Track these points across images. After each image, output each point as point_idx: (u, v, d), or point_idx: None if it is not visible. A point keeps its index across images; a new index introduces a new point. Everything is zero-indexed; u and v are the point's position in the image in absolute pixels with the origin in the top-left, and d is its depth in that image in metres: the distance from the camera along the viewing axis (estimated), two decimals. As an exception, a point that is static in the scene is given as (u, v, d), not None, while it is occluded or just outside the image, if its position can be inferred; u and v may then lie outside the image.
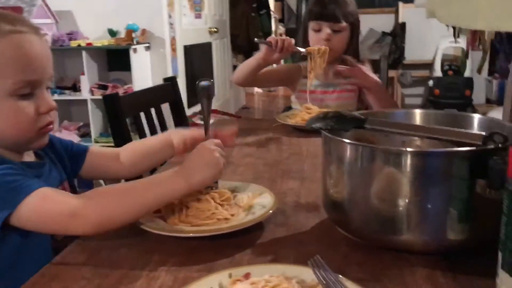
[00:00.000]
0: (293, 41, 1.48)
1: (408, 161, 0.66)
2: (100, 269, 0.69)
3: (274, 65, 1.77)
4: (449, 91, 4.38)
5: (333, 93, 1.68)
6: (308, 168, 1.15)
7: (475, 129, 0.80)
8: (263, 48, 1.50)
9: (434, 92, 4.45)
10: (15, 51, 0.75)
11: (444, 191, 0.66)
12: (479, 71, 1.31)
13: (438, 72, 4.58)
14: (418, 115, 0.86)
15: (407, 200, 0.67)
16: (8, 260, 0.76)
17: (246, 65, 1.61)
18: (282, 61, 1.72)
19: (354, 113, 0.77)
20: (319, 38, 1.60)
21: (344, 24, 1.61)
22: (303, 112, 1.53)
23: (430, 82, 4.52)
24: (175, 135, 1.05)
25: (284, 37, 1.48)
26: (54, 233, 0.78)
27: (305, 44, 1.65)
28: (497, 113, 4.02)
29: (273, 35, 1.95)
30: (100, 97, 3.27)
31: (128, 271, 0.69)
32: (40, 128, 0.81)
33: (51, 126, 0.84)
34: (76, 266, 0.69)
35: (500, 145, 0.63)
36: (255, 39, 1.68)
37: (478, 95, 4.64)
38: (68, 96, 3.35)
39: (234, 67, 5.38)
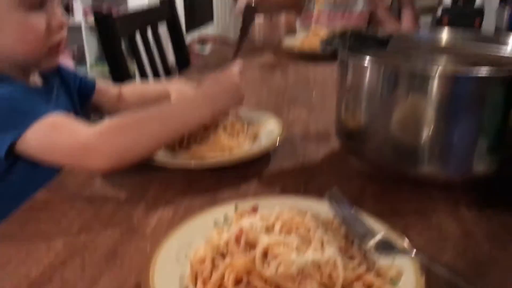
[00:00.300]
0: None
1: (436, 84, 0.58)
2: (93, 200, 0.64)
3: None
4: (458, 20, 4.20)
5: (343, 16, 1.56)
6: (317, 96, 1.07)
7: (510, 45, 0.71)
8: None
9: (442, 21, 4.26)
10: None
11: (474, 119, 0.59)
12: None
13: (447, 1, 4.37)
14: (445, 35, 0.76)
15: (432, 128, 0.60)
16: (15, 191, 0.70)
17: None
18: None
19: (375, 33, 0.68)
20: None
21: None
22: (311, 37, 1.43)
23: (439, 11, 4.32)
24: (174, 88, 0.97)
25: None
26: (64, 166, 0.69)
27: None
28: (507, 44, 3.87)
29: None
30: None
31: (123, 203, 0.63)
32: (51, 46, 0.74)
33: (63, 45, 0.76)
34: (67, 196, 0.64)
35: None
36: None
37: (488, 25, 4.45)
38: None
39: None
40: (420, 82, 0.58)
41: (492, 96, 0.58)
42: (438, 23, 4.31)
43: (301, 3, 1.60)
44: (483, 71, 0.56)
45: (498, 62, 0.60)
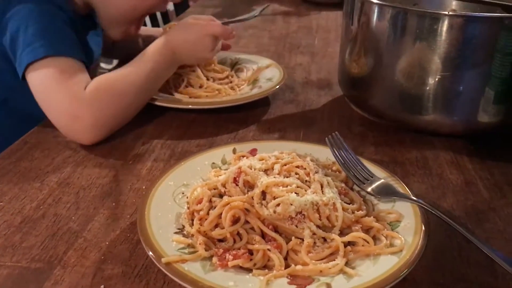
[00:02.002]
0: None
1: (445, 26, 0.55)
2: (89, 139, 0.62)
3: None
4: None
5: None
6: (319, 43, 1.04)
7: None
8: None
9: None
10: None
11: (483, 66, 0.57)
12: None
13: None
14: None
15: (439, 75, 0.58)
16: (30, 104, 0.66)
17: None
18: None
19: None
20: None
21: None
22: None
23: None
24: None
25: None
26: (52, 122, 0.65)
27: None
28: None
29: None
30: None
31: (118, 143, 0.62)
32: (148, 14, 0.76)
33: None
34: (61, 135, 0.62)
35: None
36: None
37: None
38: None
39: None
40: (430, 24, 0.56)
41: (503, 41, 0.55)
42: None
43: None
44: (495, 13, 0.54)
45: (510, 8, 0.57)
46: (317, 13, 1.25)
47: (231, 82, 0.77)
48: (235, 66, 0.84)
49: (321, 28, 1.14)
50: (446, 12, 0.55)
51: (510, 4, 0.57)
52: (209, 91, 0.73)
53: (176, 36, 0.69)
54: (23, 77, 0.62)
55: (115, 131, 0.63)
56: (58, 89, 0.60)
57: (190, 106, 0.69)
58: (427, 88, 0.59)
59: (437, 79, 0.58)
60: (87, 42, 0.76)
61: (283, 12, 1.29)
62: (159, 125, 0.66)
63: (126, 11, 0.73)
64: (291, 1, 1.37)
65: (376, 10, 0.60)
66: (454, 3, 0.69)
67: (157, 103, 0.68)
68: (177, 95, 0.72)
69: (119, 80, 0.64)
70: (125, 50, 0.88)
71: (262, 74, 0.79)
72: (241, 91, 0.76)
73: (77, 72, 0.62)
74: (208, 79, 0.76)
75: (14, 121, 0.71)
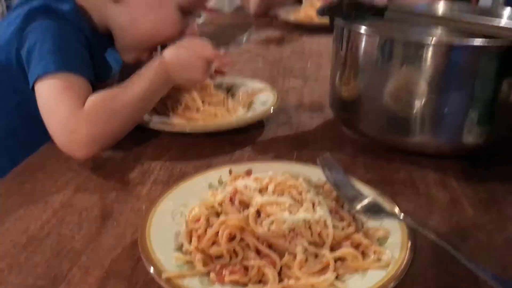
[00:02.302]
0: None
1: (430, 53, 0.59)
2: (89, 162, 0.64)
3: None
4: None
5: None
6: (312, 67, 1.08)
7: (506, 18, 0.72)
8: None
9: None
10: None
11: (467, 89, 0.60)
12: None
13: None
14: (442, 7, 0.77)
15: (424, 98, 0.61)
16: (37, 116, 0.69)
17: None
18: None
19: (372, 1, 0.69)
20: None
21: None
22: (307, 7, 1.42)
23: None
24: None
25: None
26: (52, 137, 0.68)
27: None
28: None
29: None
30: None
31: (119, 166, 0.64)
32: (156, 46, 0.79)
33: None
34: (63, 158, 0.64)
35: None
36: None
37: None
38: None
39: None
40: (415, 51, 0.59)
41: (484, 66, 0.59)
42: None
43: None
44: (477, 41, 0.57)
45: (492, 33, 0.61)
46: (310, 38, 1.29)
47: (226, 105, 0.80)
48: (230, 90, 0.87)
49: (314, 52, 1.18)
50: (430, 41, 0.58)
51: (490, 34, 0.60)
52: (206, 115, 0.76)
53: (170, 57, 0.72)
54: (32, 88, 0.66)
55: (111, 148, 0.66)
56: (59, 103, 0.64)
57: (187, 130, 0.72)
58: (414, 111, 0.62)
59: (423, 102, 0.61)
60: (105, 58, 0.80)
61: (276, 37, 1.33)
62: (158, 148, 0.69)
63: (142, 40, 0.78)
64: (284, 27, 1.41)
65: (363, 39, 0.63)
66: (440, 28, 0.73)
67: (156, 127, 0.71)
68: (175, 118, 0.75)
69: (116, 98, 0.66)
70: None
71: (256, 98, 0.82)
72: (236, 114, 0.79)
73: (80, 89, 0.66)
74: (204, 103, 0.78)
75: (30, 125, 0.74)
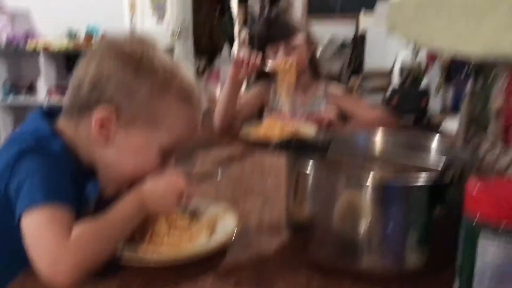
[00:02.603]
0: (259, 58, 1.51)
1: (368, 188, 0.67)
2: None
3: (244, 94, 1.76)
4: (406, 101, 4.50)
5: (303, 116, 1.72)
6: (272, 185, 1.15)
7: (435, 151, 0.82)
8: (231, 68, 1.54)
9: (391, 101, 4.56)
10: (188, 121, 0.83)
11: (403, 218, 0.68)
12: (437, 90, 1.36)
13: (396, 82, 4.71)
14: (380, 136, 0.88)
15: (367, 226, 0.68)
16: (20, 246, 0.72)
17: (221, 102, 1.62)
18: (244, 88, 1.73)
19: (317, 139, 0.78)
20: (278, 61, 1.63)
21: (296, 38, 1.64)
22: (267, 126, 1.54)
23: (388, 92, 4.64)
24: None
25: (248, 54, 1.51)
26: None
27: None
28: (451, 123, 4.17)
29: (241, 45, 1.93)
30: (58, 101, 3.19)
31: (87, 300, 0.67)
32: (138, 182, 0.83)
33: None
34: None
35: (457, 175, 0.65)
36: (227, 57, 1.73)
37: (434, 104, 4.79)
38: (23, 101, 3.23)
39: (197, 70, 5.35)
40: (355, 187, 0.67)
41: (416, 198, 0.67)
42: (387, 103, 4.61)
43: (267, 100, 1.74)
44: (409, 179, 0.66)
45: (423, 167, 0.70)
46: (269, 157, 1.38)
47: (190, 232, 0.85)
48: (194, 214, 0.92)
49: (273, 170, 1.27)
50: (368, 177, 0.66)
51: (420, 167, 0.70)
52: (170, 244, 0.80)
53: (147, 189, 0.79)
54: (18, 221, 0.70)
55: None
56: (46, 234, 0.68)
57: (152, 264, 0.76)
58: (359, 236, 0.69)
59: (365, 229, 0.68)
60: (84, 191, 0.85)
61: (239, 155, 1.42)
62: (123, 280, 0.72)
63: (125, 177, 0.83)
64: (245, 144, 1.51)
65: (310, 175, 0.71)
66: (377, 161, 0.82)
67: (123, 261, 0.75)
68: (142, 246, 0.79)
69: (100, 228, 0.73)
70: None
71: (220, 222, 0.88)
72: (200, 240, 0.83)
73: (66, 220, 0.71)
74: (170, 228, 0.83)
75: (10, 258, 0.76)
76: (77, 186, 0.80)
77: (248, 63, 1.49)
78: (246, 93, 1.80)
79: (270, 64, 1.58)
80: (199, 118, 0.85)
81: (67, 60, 3.43)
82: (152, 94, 0.78)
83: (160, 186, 0.80)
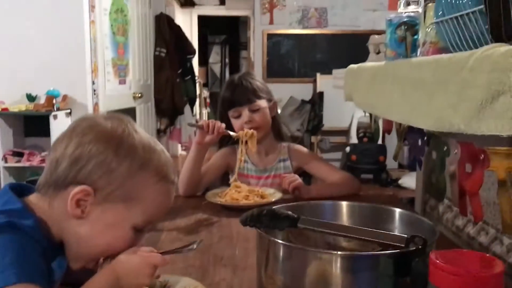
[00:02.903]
0: (223, 124, 1.55)
1: (338, 262, 0.69)
2: None
3: (209, 159, 1.79)
4: (365, 157, 4.67)
5: (268, 178, 1.75)
6: (240, 253, 1.16)
7: (397, 222, 0.86)
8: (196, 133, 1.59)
9: (351, 157, 4.71)
10: (164, 197, 0.83)
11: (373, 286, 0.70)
12: (395, 158, 1.43)
13: (354, 139, 4.88)
14: (345, 207, 0.91)
15: (338, 299, 0.70)
16: None
17: (186, 166, 1.64)
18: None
19: (286, 210, 0.81)
20: (241, 123, 1.68)
21: (259, 101, 1.70)
22: (232, 190, 1.56)
23: (347, 148, 4.79)
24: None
25: (213, 120, 1.55)
26: None
27: (230, 130, 1.74)
28: (408, 179, 4.32)
29: (204, 119, 1.97)
30: (15, 164, 3.10)
31: None
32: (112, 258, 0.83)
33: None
34: None
35: (420, 247, 0.69)
36: (188, 123, 1.77)
37: (391, 160, 4.96)
38: (-22, 163, 3.14)
39: (158, 130, 5.36)
40: (324, 260, 0.70)
41: (383, 269, 0.70)
42: (348, 159, 4.75)
43: (232, 164, 1.76)
44: (373, 252, 0.69)
45: (388, 239, 0.74)
46: (237, 220, 1.39)
47: (161, 309, 0.84)
48: (164, 288, 0.91)
49: (241, 236, 1.27)
50: (338, 252, 0.69)
51: (385, 242, 0.73)
52: (141, 321, 0.79)
53: (122, 263, 0.79)
54: None
55: None
56: None
57: None
58: (331, 310, 0.70)
59: (337, 303, 0.70)
60: (51, 265, 0.82)
61: (205, 220, 1.43)
62: None
63: (95, 253, 0.82)
64: (212, 208, 1.52)
65: (280, 247, 0.73)
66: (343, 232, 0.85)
67: None
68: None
69: None
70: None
71: (190, 298, 0.87)
72: (171, 317, 0.82)
73: None
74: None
75: None
76: (46, 261, 0.78)
77: (213, 129, 1.53)
78: (211, 157, 1.83)
79: (233, 134, 1.63)
80: (172, 194, 0.86)
81: (25, 123, 3.37)
82: (131, 172, 0.78)
83: (133, 260, 0.79)
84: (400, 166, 5.15)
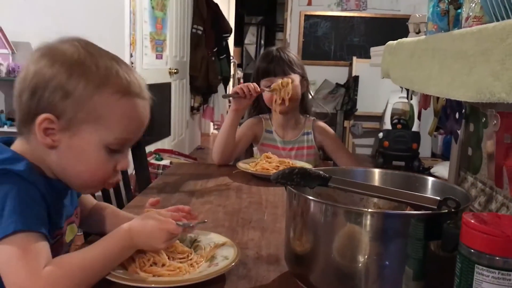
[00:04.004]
0: (256, 85, 1.57)
1: (367, 220, 0.69)
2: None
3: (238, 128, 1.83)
4: (398, 144, 4.59)
5: (292, 150, 1.76)
6: (268, 218, 1.17)
7: (429, 191, 0.85)
8: (232, 102, 1.62)
9: (383, 143, 4.64)
10: (131, 113, 0.81)
11: (400, 250, 0.70)
12: (431, 133, 1.41)
13: (387, 125, 4.80)
14: (377, 174, 0.91)
15: (365, 257, 0.70)
16: None
17: (222, 135, 1.67)
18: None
19: (318, 170, 0.81)
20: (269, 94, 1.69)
21: (293, 75, 1.71)
22: (263, 160, 1.57)
23: (380, 134, 4.72)
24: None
25: (246, 84, 1.57)
26: None
27: (260, 102, 1.76)
28: (441, 168, 4.24)
29: (236, 85, 2.02)
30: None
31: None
32: (107, 182, 0.84)
33: (115, 183, 0.87)
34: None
35: (453, 210, 0.68)
36: (222, 95, 1.81)
37: (424, 148, 4.87)
38: (19, 128, 3.25)
39: (192, 108, 5.42)
40: (355, 218, 0.70)
41: (413, 230, 0.69)
42: (380, 145, 4.69)
43: (258, 135, 1.79)
44: (406, 212, 0.69)
45: (419, 201, 0.73)
46: (266, 189, 1.41)
47: (190, 259, 0.86)
48: (194, 243, 0.94)
49: (270, 203, 1.29)
50: (368, 210, 0.69)
51: (416, 203, 0.73)
52: (171, 269, 0.81)
53: (137, 226, 0.81)
54: None
55: None
56: (19, 264, 0.68)
57: (153, 285, 0.77)
58: (357, 267, 0.71)
59: (364, 260, 0.70)
60: (62, 204, 0.86)
61: (235, 187, 1.45)
62: (125, 304, 0.73)
63: (83, 180, 0.83)
64: (242, 177, 1.54)
65: (311, 205, 0.74)
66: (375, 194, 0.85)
67: (124, 282, 0.76)
68: (142, 274, 0.80)
69: (78, 265, 0.73)
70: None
71: (218, 252, 0.89)
72: (199, 268, 0.85)
73: (40, 249, 0.71)
74: (169, 258, 0.85)
75: None
76: (53, 201, 0.80)
77: (249, 92, 1.55)
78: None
79: (269, 89, 1.66)
80: (144, 109, 0.83)
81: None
82: (88, 93, 0.76)
83: (148, 225, 0.82)
84: (434, 155, 5.05)
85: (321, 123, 1.83)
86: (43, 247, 0.72)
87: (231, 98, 1.66)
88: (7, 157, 0.77)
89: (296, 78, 1.73)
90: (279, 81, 1.66)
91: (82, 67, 0.77)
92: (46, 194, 0.78)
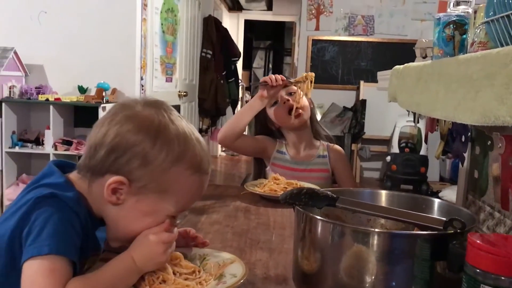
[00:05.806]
0: (282, 76, 1.68)
1: (374, 240, 0.71)
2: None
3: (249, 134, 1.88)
4: (406, 167, 4.58)
5: (303, 172, 1.78)
6: (276, 239, 1.18)
7: (435, 212, 0.86)
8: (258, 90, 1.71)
9: (391, 167, 4.62)
10: (198, 189, 0.84)
11: (406, 271, 0.71)
12: (438, 157, 1.42)
13: (395, 148, 4.79)
14: (384, 196, 0.92)
15: (372, 278, 0.71)
16: None
17: (237, 115, 1.74)
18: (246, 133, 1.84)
19: (326, 191, 0.83)
20: (285, 104, 1.75)
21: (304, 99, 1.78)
22: (271, 182, 1.59)
23: (388, 158, 4.71)
24: None
25: (272, 75, 1.68)
26: None
27: (268, 124, 1.81)
28: (450, 192, 4.20)
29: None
30: (63, 152, 3.24)
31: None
32: None
33: None
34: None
35: (459, 231, 0.69)
36: (251, 83, 1.91)
37: (433, 172, 4.85)
38: (30, 149, 3.29)
39: (200, 130, 5.47)
40: (362, 238, 0.71)
41: (420, 251, 0.70)
42: (388, 168, 4.68)
43: (269, 153, 1.82)
44: (411, 232, 0.70)
45: (425, 222, 0.74)
46: (274, 210, 1.42)
47: (199, 277, 0.87)
48: (203, 261, 0.95)
49: (277, 224, 1.30)
50: (375, 230, 0.70)
51: (422, 223, 0.74)
52: (179, 287, 0.82)
53: (134, 247, 0.82)
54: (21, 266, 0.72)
55: None
56: (44, 282, 0.70)
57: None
58: (365, 287, 0.72)
59: (372, 280, 0.71)
60: (95, 237, 0.87)
61: (244, 208, 1.46)
62: (135, 321, 0.74)
63: (133, 237, 0.84)
64: (250, 198, 1.55)
65: (319, 224, 0.75)
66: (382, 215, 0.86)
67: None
68: (151, 291, 0.81)
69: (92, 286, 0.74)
70: None
71: (227, 270, 0.90)
72: (208, 286, 0.85)
73: (63, 273, 0.72)
74: (175, 274, 0.86)
75: None
76: (89, 233, 0.82)
77: (276, 81, 1.64)
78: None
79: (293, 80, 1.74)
80: (206, 184, 0.86)
81: (76, 113, 3.52)
82: (166, 166, 0.79)
83: (143, 241, 0.82)
84: (442, 179, 5.03)
85: (337, 147, 1.88)
86: (69, 273, 0.73)
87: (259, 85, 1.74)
88: (59, 183, 0.80)
89: (306, 100, 1.78)
90: (303, 74, 1.73)
91: (165, 138, 0.79)
92: (85, 225, 0.80)
